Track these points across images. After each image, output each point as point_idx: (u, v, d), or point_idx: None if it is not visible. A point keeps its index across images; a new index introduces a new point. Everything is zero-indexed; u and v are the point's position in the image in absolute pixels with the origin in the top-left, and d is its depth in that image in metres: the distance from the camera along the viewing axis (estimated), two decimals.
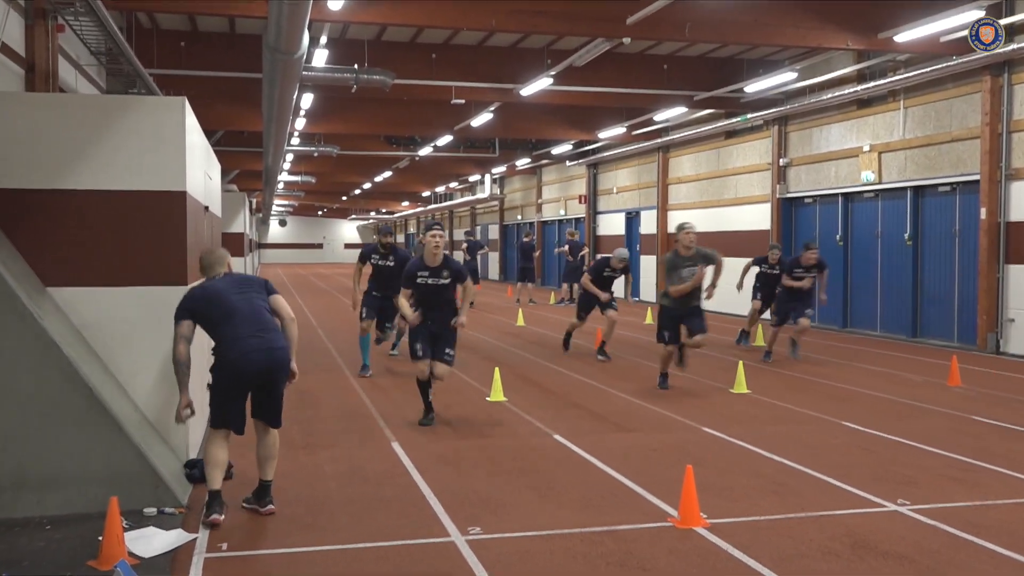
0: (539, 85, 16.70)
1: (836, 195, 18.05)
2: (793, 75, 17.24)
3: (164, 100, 6.81)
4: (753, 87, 17.72)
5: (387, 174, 37.47)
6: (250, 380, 5.69)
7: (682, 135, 23.01)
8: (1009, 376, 11.81)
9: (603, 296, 12.83)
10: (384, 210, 64.90)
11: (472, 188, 44.34)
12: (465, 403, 9.65)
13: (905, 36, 13.30)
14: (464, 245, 25.37)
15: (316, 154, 27.73)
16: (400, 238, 68.42)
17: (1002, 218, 14.05)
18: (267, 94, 13.37)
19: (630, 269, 12.80)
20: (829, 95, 17.14)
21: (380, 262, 11.83)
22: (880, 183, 16.68)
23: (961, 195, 15.11)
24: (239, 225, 25.23)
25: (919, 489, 6.30)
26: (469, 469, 6.88)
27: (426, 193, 51.27)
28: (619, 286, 14.03)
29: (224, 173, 24.56)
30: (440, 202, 50.79)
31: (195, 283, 6.21)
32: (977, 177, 14.38)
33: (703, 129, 21.86)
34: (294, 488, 6.25)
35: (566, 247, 24.25)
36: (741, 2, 13.21)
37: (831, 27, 13.56)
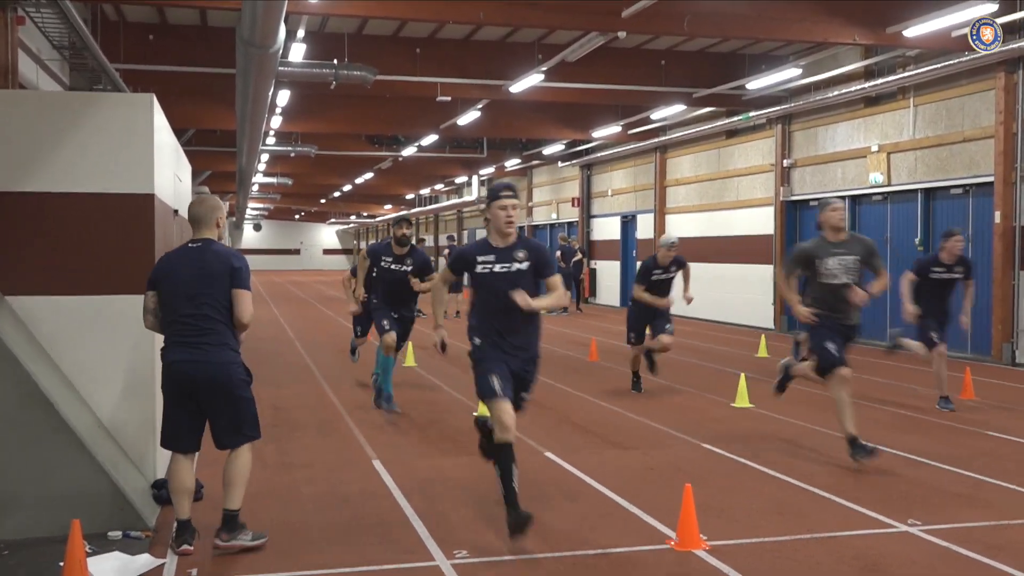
0: (530, 81, 16.73)
1: (843, 198, 18.12)
2: (798, 71, 17.29)
3: (131, 97, 6.78)
4: (755, 84, 17.77)
5: (368, 176, 37.50)
6: (180, 391, 5.28)
7: (681, 134, 23.08)
8: None
9: (661, 303, 10.76)
10: (365, 214, 64.86)
11: (459, 190, 44.37)
12: (452, 419, 9.64)
13: (915, 31, 13.35)
14: (558, 252, 24.77)
15: (293, 154, 27.75)
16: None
17: (1017, 222, 14.10)
18: (241, 91, 13.35)
19: (684, 261, 10.98)
20: (835, 92, 17.23)
21: (393, 266, 9.71)
22: (889, 185, 16.76)
23: (974, 198, 15.19)
24: None
25: (931, 508, 6.31)
26: (455, 489, 6.87)
27: (410, 196, 51.31)
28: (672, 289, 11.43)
29: (195, 175, 24.49)
30: (425, 205, 50.80)
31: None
32: (991, 179, 14.45)
33: (703, 128, 21.93)
34: (268, 511, 6.21)
35: (558, 252, 24.35)
36: None
37: (837, 21, 13.60)
